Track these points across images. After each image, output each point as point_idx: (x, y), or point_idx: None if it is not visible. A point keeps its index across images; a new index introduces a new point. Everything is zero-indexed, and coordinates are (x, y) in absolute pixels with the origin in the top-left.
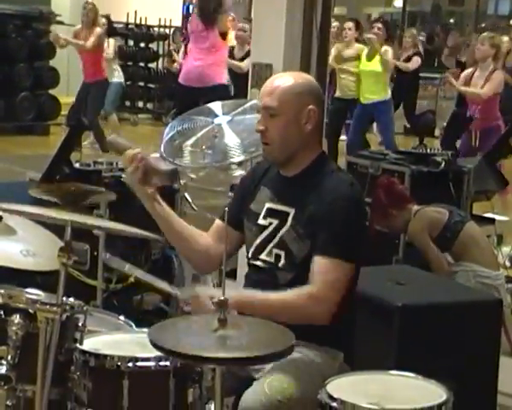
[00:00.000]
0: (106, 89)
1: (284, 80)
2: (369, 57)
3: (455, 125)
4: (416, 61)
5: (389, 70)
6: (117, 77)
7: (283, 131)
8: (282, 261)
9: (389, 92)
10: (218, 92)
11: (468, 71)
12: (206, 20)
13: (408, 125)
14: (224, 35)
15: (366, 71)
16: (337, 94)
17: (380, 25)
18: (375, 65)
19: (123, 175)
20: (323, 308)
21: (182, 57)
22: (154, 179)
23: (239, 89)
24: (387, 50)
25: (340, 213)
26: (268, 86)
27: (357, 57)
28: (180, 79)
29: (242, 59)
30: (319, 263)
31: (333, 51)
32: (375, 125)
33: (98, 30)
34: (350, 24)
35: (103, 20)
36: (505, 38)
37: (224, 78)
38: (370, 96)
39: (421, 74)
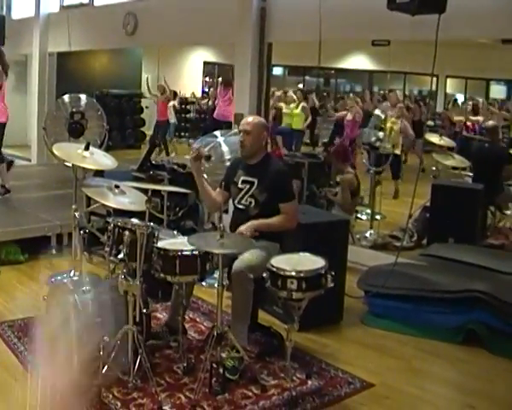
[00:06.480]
0: (168, 125)
1: (253, 119)
2: (296, 107)
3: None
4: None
5: (307, 114)
6: (173, 119)
7: (252, 142)
8: (253, 204)
9: (303, 125)
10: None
11: (344, 112)
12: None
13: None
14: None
15: (295, 113)
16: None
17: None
18: (298, 110)
19: (175, 167)
20: (294, 224)
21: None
22: (202, 162)
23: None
24: (304, 106)
25: (285, 179)
26: (246, 121)
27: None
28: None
29: None
30: (285, 206)
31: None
32: None
33: (167, 95)
34: (291, 92)
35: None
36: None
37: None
38: (296, 126)
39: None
